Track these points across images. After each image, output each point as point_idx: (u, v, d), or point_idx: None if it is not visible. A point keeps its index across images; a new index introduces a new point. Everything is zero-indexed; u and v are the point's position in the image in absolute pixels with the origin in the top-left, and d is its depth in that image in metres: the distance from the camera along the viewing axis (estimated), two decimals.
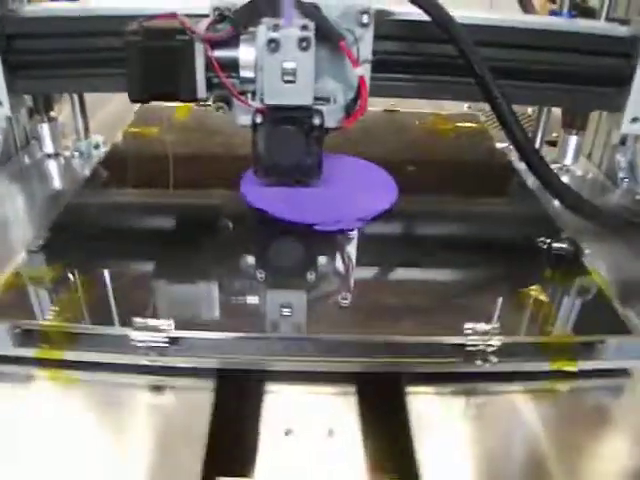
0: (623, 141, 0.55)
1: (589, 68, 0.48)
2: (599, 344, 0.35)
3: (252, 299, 0.36)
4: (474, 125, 0.63)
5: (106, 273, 0.37)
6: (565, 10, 0.51)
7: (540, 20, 0.51)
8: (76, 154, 0.56)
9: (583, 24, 0.49)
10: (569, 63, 0.48)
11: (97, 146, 0.57)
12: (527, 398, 0.34)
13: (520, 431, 0.32)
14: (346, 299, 0.36)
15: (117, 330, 0.33)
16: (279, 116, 0.39)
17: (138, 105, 0.61)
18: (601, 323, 0.37)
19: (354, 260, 0.41)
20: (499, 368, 0.34)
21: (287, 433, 0.31)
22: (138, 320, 0.33)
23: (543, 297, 0.38)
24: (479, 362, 0.34)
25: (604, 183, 0.58)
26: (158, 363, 0.33)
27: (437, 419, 0.32)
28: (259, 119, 0.39)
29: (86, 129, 0.57)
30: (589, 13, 0.52)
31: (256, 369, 0.34)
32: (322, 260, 0.40)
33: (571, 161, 0.58)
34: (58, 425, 0.31)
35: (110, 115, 0.65)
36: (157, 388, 0.33)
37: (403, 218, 0.45)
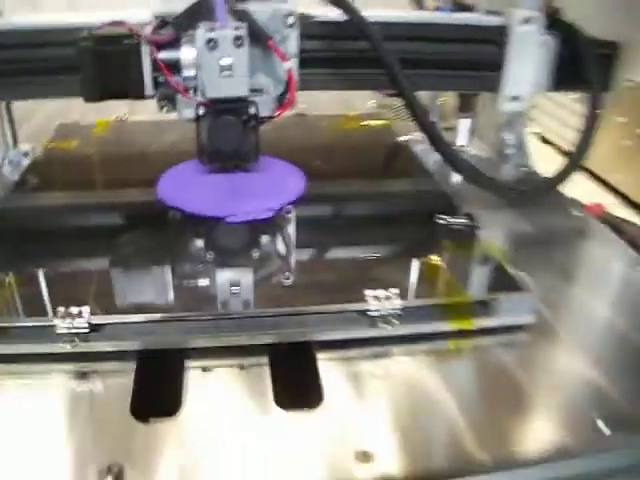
0: (509, 121, 0.62)
1: (470, 55, 0.54)
2: (493, 302, 0.39)
3: (168, 285, 0.40)
4: (379, 122, 0.69)
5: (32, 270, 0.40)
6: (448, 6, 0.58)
7: (429, 15, 0.58)
8: (6, 162, 0.58)
9: (463, 17, 0.56)
10: (454, 52, 0.54)
11: (26, 154, 0.59)
12: (430, 357, 0.37)
13: (424, 387, 0.36)
14: (261, 279, 0.41)
15: (41, 321, 0.36)
16: (219, 108, 0.44)
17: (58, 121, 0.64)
18: (495, 284, 0.41)
19: (264, 245, 0.45)
20: (401, 331, 0.38)
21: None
22: (61, 309, 0.35)
23: (441, 265, 0.43)
24: (382, 326, 0.38)
25: (495, 160, 0.65)
26: (81, 350, 0.36)
27: (346, 379, 0.35)
28: (202, 111, 0.44)
29: (14, 139, 0.59)
30: (467, 8, 0.59)
31: (174, 348, 0.37)
32: (237, 246, 0.46)
33: (466, 142, 0.65)
34: None
35: (34, 128, 0.66)
36: (82, 374, 0.35)
37: (312, 204, 0.50)
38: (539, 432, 0.33)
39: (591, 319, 0.41)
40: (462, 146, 0.65)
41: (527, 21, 0.52)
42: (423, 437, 0.32)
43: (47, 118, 0.61)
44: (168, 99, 0.44)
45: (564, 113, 0.88)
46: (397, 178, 0.59)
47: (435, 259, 0.43)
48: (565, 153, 0.86)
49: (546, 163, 0.81)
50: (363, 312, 0.37)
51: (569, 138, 0.74)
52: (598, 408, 0.33)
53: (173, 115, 0.45)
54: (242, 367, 0.35)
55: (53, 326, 0.35)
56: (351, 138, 0.66)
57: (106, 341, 0.36)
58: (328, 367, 0.36)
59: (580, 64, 0.53)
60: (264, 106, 0.45)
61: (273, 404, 0.33)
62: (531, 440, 0.32)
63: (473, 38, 0.54)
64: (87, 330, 0.35)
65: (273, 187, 0.50)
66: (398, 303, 0.37)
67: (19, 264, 0.42)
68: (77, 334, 0.35)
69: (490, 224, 0.49)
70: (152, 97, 0.43)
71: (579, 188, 0.73)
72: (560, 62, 0.54)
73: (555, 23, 0.53)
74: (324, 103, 0.68)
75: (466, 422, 0.32)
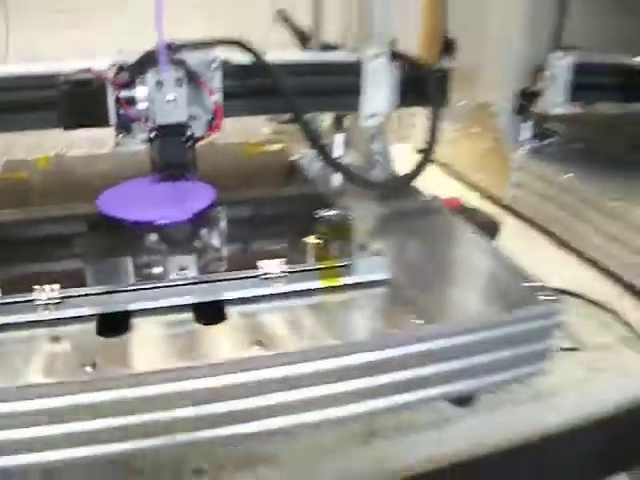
0: (374, 134, 0.79)
1: (337, 84, 0.69)
2: (351, 265, 0.54)
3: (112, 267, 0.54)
4: (277, 146, 0.84)
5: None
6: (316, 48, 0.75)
7: (305, 55, 0.75)
8: None
9: (330, 55, 0.73)
10: (325, 82, 0.70)
11: None
12: (311, 308, 0.50)
13: (303, 326, 0.49)
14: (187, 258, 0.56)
15: (24, 296, 0.47)
16: (166, 131, 0.58)
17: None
18: (354, 253, 0.55)
19: (188, 236, 0.60)
20: (286, 289, 0.51)
21: None
22: (37, 287, 0.47)
23: (317, 242, 0.57)
24: (273, 285, 0.51)
25: (365, 166, 0.81)
26: (55, 316, 0.47)
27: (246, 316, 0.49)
28: (153, 135, 0.58)
29: None
30: (333, 48, 0.76)
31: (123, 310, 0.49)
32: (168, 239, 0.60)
33: (341, 153, 0.81)
34: None
35: None
36: (55, 338, 0.46)
37: (221, 208, 0.65)
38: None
39: (427, 270, 0.58)
40: (339, 156, 0.81)
41: (377, 56, 0.68)
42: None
43: None
44: (125, 127, 0.58)
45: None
46: (287, 187, 0.75)
47: (312, 239, 0.58)
48: (442, 164, 1.05)
49: (425, 173, 0.98)
50: (259, 276, 0.51)
51: (448, 152, 0.93)
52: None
53: (104, 150, 0.60)
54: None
55: (32, 300, 0.47)
56: (252, 159, 0.81)
57: (72, 308, 0.48)
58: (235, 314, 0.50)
59: (419, 86, 0.71)
60: (198, 129, 0.60)
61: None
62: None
63: (338, 71, 0.70)
64: (58, 301, 0.47)
65: (189, 199, 0.64)
66: (284, 267, 0.51)
67: None
68: (51, 304, 0.47)
69: (360, 213, 0.65)
70: (115, 126, 0.57)
71: (446, 187, 0.92)
72: (403, 85, 0.71)
73: (397, 56, 0.71)
74: (230, 132, 0.82)
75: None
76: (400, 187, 0.72)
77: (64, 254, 0.56)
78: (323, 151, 0.65)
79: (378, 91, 0.70)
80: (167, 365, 0.43)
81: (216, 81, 0.60)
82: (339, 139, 0.80)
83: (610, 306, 0.69)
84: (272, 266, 0.51)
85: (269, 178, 0.77)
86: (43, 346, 0.45)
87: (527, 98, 0.87)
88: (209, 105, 0.60)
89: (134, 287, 0.50)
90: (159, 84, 0.56)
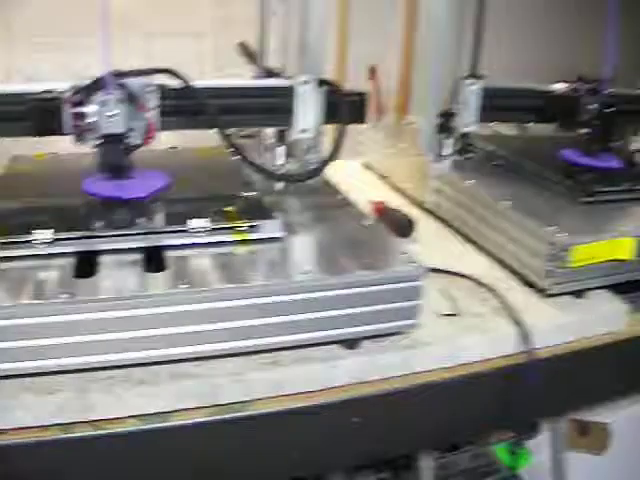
0: (309, 146, 0.94)
1: (275, 104, 0.84)
2: (259, 225, 0.71)
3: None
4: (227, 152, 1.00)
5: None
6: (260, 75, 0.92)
7: (249, 81, 0.91)
8: None
9: (270, 81, 0.89)
10: (265, 102, 0.86)
11: None
12: (227, 254, 0.67)
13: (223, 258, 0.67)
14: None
15: (26, 237, 0.65)
16: (109, 140, 0.73)
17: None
18: (262, 216, 0.72)
19: (149, 205, 0.76)
20: (208, 240, 0.68)
21: None
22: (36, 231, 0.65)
23: (232, 209, 0.73)
24: (198, 235, 0.69)
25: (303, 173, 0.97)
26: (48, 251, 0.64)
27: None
28: (98, 142, 0.73)
29: None
30: (275, 74, 0.93)
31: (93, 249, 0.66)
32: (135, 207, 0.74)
33: (283, 162, 0.96)
34: None
35: None
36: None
37: (167, 194, 0.79)
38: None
39: (312, 234, 0.75)
40: (282, 165, 0.97)
41: (306, 82, 0.85)
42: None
43: None
44: (80, 136, 0.73)
45: (380, 148, 1.23)
46: (227, 179, 0.91)
47: (232, 209, 0.74)
48: (382, 176, 1.21)
49: (367, 184, 1.19)
50: (188, 230, 0.69)
51: (385, 166, 1.10)
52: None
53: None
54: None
55: (31, 240, 0.65)
56: (204, 162, 0.98)
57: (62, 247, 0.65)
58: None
59: (337, 107, 0.87)
60: (135, 139, 0.75)
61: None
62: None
63: (276, 94, 0.85)
64: (51, 240, 0.65)
65: (152, 182, 0.80)
66: (207, 224, 0.69)
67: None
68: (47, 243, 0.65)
69: (282, 201, 0.82)
70: (71, 134, 0.73)
71: (384, 195, 1.08)
72: (327, 106, 0.88)
73: (322, 82, 0.88)
74: (198, 140, 0.99)
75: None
76: (296, 182, 0.88)
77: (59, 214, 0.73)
78: (240, 152, 0.80)
79: (307, 110, 0.86)
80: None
81: (152, 101, 0.74)
82: (281, 151, 0.97)
83: (496, 288, 0.83)
84: (199, 223, 0.70)
85: (213, 171, 0.94)
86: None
87: (446, 118, 1.04)
88: (143, 120, 0.75)
89: (104, 234, 0.67)
90: (104, 103, 0.72)
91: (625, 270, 0.83)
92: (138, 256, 0.66)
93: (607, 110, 0.98)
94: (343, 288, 0.65)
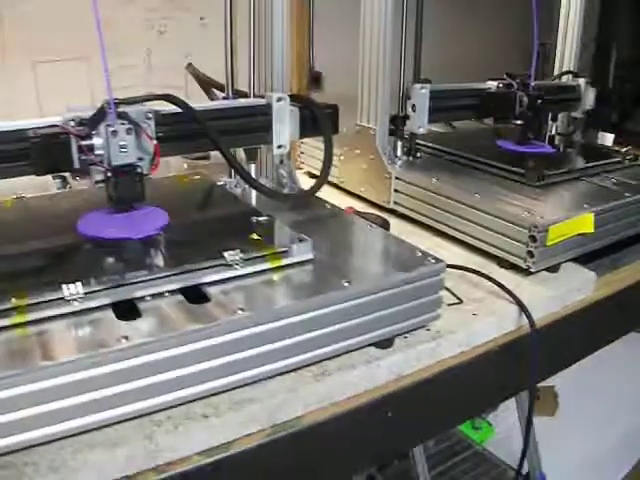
0: (282, 161, 0.97)
1: (251, 123, 0.86)
2: (289, 249, 0.71)
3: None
4: (200, 177, 1.00)
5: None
6: (231, 95, 0.93)
7: (223, 102, 0.91)
8: None
9: (243, 101, 0.90)
10: (241, 122, 0.86)
11: None
12: (267, 282, 0.68)
13: (266, 289, 0.67)
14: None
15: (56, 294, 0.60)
16: (119, 171, 0.71)
17: None
18: (290, 241, 0.72)
19: (159, 245, 0.73)
20: (245, 271, 0.67)
21: None
22: (64, 286, 0.60)
23: (257, 237, 0.74)
24: (236, 267, 0.67)
25: (277, 188, 0.99)
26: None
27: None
28: (109, 174, 0.70)
29: None
30: (245, 95, 0.94)
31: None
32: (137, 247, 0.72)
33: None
34: None
35: None
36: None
37: (174, 228, 0.77)
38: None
39: (328, 246, 0.77)
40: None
41: (279, 100, 0.87)
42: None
43: None
44: (84, 171, 0.70)
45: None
46: (220, 204, 0.92)
47: (254, 235, 0.75)
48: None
49: (320, 193, 1.17)
50: (225, 264, 0.67)
51: (334, 172, 1.13)
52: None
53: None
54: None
55: (63, 297, 0.60)
56: (186, 188, 0.97)
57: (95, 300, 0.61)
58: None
59: (315, 120, 0.90)
60: (144, 167, 0.72)
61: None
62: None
63: (251, 113, 0.87)
64: (82, 295, 0.61)
65: (152, 220, 0.77)
66: (240, 256, 0.67)
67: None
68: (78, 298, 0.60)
69: (282, 218, 0.83)
70: (78, 170, 0.69)
71: (342, 201, 1.12)
72: (302, 120, 0.90)
73: (297, 98, 0.90)
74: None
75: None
76: (306, 198, 0.90)
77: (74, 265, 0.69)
78: (245, 176, 0.81)
79: (283, 126, 0.88)
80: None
81: (152, 128, 0.72)
82: (252, 168, 0.98)
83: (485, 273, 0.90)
84: (233, 255, 0.68)
85: (203, 199, 0.94)
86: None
87: (397, 122, 1.10)
88: (150, 148, 0.73)
89: (139, 279, 0.64)
90: (114, 133, 0.69)
91: (585, 242, 0.93)
92: (177, 297, 0.65)
93: (538, 101, 1.08)
94: (380, 292, 0.68)
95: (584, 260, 0.95)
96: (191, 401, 0.62)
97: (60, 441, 0.56)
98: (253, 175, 0.97)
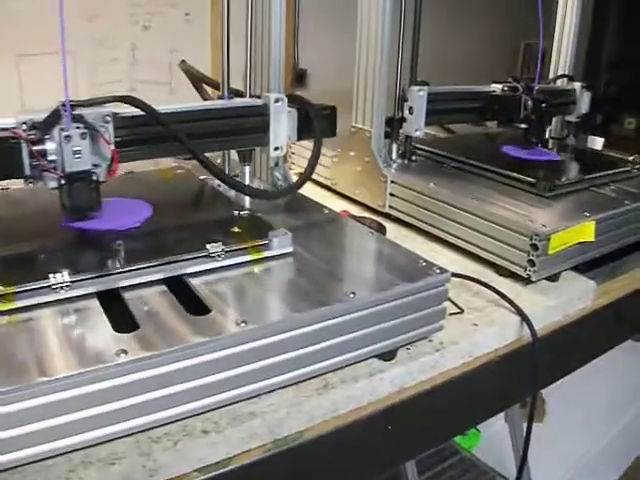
0: (277, 163, 0.94)
1: (247, 124, 0.83)
2: (270, 242, 0.70)
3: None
4: (183, 171, 0.97)
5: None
6: (226, 94, 0.90)
7: (219, 102, 0.88)
8: None
9: (239, 101, 0.87)
10: (237, 123, 0.84)
11: None
12: (245, 274, 0.67)
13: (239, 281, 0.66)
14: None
15: (44, 282, 0.59)
16: (73, 178, 0.67)
17: None
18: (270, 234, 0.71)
19: (143, 237, 0.72)
20: (227, 262, 0.67)
21: None
22: (51, 275, 0.59)
23: (238, 230, 0.73)
24: (218, 259, 0.67)
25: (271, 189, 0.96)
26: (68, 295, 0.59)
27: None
28: (63, 182, 0.66)
29: None
30: (240, 94, 0.91)
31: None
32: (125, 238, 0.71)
33: (248, 182, 0.95)
34: None
35: None
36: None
37: (158, 220, 0.76)
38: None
39: (324, 250, 0.76)
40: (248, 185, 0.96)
41: (277, 101, 0.84)
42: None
43: None
44: (36, 177, 0.66)
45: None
46: (205, 200, 0.91)
47: (236, 228, 0.74)
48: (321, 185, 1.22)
49: (311, 195, 1.16)
50: (207, 255, 0.67)
51: (327, 174, 1.10)
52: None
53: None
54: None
55: (49, 285, 0.59)
56: (170, 183, 0.94)
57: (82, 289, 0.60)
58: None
59: (310, 122, 0.87)
60: (100, 174, 0.68)
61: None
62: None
63: (248, 114, 0.84)
64: (69, 283, 0.59)
65: (135, 212, 0.76)
66: (222, 248, 0.67)
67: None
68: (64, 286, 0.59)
69: (271, 217, 0.81)
70: (30, 176, 0.65)
71: (335, 204, 1.09)
72: (300, 122, 0.87)
73: (295, 99, 0.88)
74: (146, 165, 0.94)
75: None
76: (287, 195, 0.88)
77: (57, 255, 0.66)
78: (221, 176, 0.79)
79: (280, 128, 0.85)
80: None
81: (111, 132, 0.68)
82: (246, 170, 0.95)
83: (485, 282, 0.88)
84: (215, 246, 0.67)
85: (186, 193, 0.92)
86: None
87: (393, 124, 1.08)
88: (107, 153, 0.69)
89: (123, 269, 0.63)
90: (67, 138, 0.65)
91: (584, 251, 0.92)
92: (161, 288, 0.64)
93: (543, 105, 1.07)
94: (384, 303, 0.66)
95: (583, 269, 0.94)
96: (190, 416, 0.59)
97: (54, 459, 0.53)
98: (247, 177, 0.95)
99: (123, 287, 0.63)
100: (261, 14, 0.91)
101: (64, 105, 0.65)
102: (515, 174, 1.03)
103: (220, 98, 0.90)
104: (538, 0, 1.01)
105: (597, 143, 1.44)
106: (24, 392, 0.49)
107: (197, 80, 1.02)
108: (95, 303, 0.60)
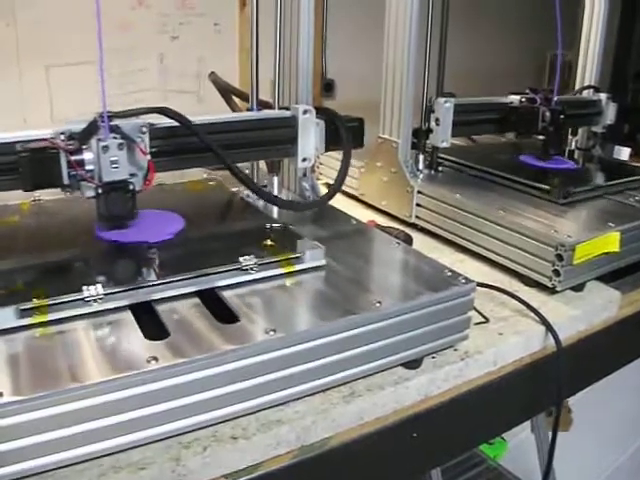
0: (305, 174, 0.96)
1: (276, 136, 0.84)
2: (302, 256, 0.71)
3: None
4: (215, 183, 0.99)
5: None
6: (255, 106, 0.91)
7: (249, 114, 0.90)
8: None
9: (268, 112, 0.89)
10: (266, 135, 0.86)
11: None
12: (276, 287, 0.68)
13: (276, 295, 0.67)
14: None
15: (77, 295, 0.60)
16: (110, 187, 0.68)
17: None
18: (302, 247, 0.72)
19: (175, 250, 0.74)
20: (260, 275, 0.68)
21: None
22: (84, 287, 0.60)
23: (271, 243, 0.74)
24: (251, 272, 0.68)
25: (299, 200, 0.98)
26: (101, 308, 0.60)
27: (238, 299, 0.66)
28: (100, 191, 0.68)
29: None
30: (269, 106, 0.93)
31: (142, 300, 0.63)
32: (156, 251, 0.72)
33: (277, 192, 0.97)
34: None
35: None
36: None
37: (190, 233, 0.78)
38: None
39: (353, 261, 0.77)
40: (276, 196, 0.97)
41: (305, 112, 0.86)
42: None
43: None
44: (74, 186, 0.68)
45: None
46: (237, 212, 0.93)
47: (268, 241, 0.75)
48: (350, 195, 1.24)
49: (339, 205, 1.18)
50: (240, 268, 0.67)
51: (355, 184, 1.12)
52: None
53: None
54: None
55: (82, 298, 0.60)
56: (201, 195, 0.96)
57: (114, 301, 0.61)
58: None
59: (338, 133, 0.89)
60: (137, 184, 0.70)
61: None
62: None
63: (277, 125, 0.86)
64: (102, 296, 0.61)
65: (167, 224, 0.78)
66: (254, 261, 0.68)
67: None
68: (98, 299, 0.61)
69: (305, 233, 0.82)
70: (67, 186, 0.67)
71: (362, 214, 1.10)
72: (327, 134, 0.89)
73: (322, 111, 0.89)
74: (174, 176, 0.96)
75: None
76: (318, 207, 0.90)
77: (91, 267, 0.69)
78: (253, 188, 0.80)
79: (308, 139, 0.87)
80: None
81: (147, 143, 0.70)
82: (275, 181, 0.97)
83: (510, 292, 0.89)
84: (248, 260, 0.68)
85: (218, 205, 0.94)
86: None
87: (420, 135, 1.09)
88: (143, 163, 0.70)
89: (156, 282, 0.64)
90: (105, 148, 0.67)
91: (609, 261, 0.92)
92: (193, 300, 0.65)
93: (561, 117, 1.07)
94: (411, 312, 0.67)
95: (607, 279, 0.94)
96: (220, 422, 0.60)
97: (84, 463, 0.54)
98: (276, 187, 0.97)
99: (156, 300, 0.63)
100: (289, 25, 0.92)
101: (101, 116, 0.68)
102: (530, 182, 1.03)
103: (249, 110, 0.92)
104: (556, 11, 1.01)
105: (623, 153, 1.43)
106: (57, 397, 0.50)
107: (226, 92, 1.05)
108: (127, 313, 0.61)
